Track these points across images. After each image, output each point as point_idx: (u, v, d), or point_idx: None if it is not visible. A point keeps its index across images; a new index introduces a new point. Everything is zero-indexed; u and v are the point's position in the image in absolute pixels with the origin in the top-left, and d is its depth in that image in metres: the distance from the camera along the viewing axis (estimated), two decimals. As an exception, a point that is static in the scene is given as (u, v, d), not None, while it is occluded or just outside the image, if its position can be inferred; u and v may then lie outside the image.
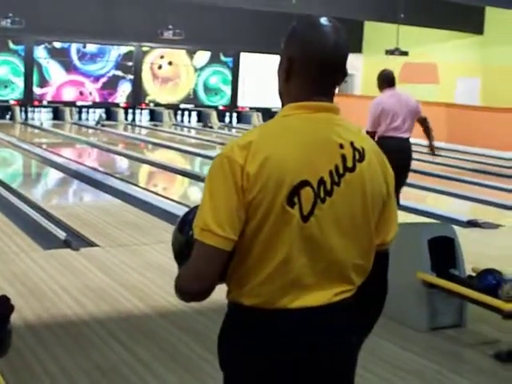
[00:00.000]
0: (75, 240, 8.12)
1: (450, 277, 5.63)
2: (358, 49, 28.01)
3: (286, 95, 2.31)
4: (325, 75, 2.25)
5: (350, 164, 2.22)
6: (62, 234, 8.21)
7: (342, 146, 2.22)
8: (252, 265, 2.20)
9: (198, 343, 5.26)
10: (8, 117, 24.91)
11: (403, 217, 8.13)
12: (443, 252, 5.78)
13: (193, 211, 2.33)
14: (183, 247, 2.35)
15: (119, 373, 4.76)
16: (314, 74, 2.24)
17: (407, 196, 8.12)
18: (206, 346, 5.14)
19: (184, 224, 2.41)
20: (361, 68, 28.29)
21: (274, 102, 27.63)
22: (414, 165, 9.15)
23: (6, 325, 2.71)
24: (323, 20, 2.26)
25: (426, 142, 9.18)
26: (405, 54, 23.03)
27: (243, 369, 2.27)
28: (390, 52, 22.99)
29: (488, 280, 5.45)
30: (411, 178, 9.06)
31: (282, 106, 2.33)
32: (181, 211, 9.61)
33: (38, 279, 6.68)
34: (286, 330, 2.21)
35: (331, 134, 2.23)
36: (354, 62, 27.29)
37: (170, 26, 22.75)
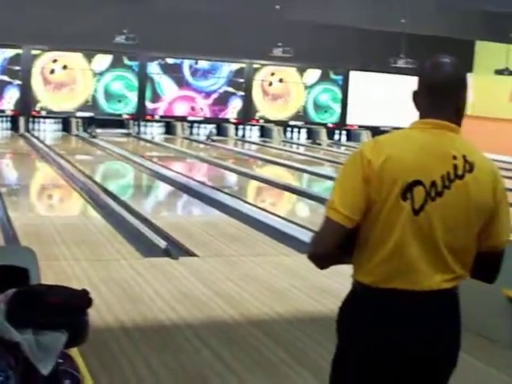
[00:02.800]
0: (175, 250, 8.32)
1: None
2: (468, 68, 27.59)
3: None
4: (441, 100, 2.69)
5: (460, 172, 2.63)
6: (162, 244, 8.39)
7: (455, 157, 2.63)
8: (371, 248, 2.63)
9: (287, 353, 5.32)
10: (121, 130, 25.63)
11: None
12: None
13: None
14: None
15: (203, 375, 4.90)
16: (432, 98, 2.70)
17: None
18: (294, 356, 5.25)
19: None
20: (471, 87, 27.84)
21: (382, 120, 27.54)
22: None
23: (83, 316, 2.89)
24: (442, 58, 2.71)
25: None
26: (514, 73, 22.62)
27: (357, 340, 2.66)
28: (499, 72, 22.58)
29: None
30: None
31: None
32: (285, 227, 9.79)
33: (135, 285, 6.90)
34: (398, 308, 2.62)
35: (446, 147, 2.64)
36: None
37: (280, 44, 22.96)
